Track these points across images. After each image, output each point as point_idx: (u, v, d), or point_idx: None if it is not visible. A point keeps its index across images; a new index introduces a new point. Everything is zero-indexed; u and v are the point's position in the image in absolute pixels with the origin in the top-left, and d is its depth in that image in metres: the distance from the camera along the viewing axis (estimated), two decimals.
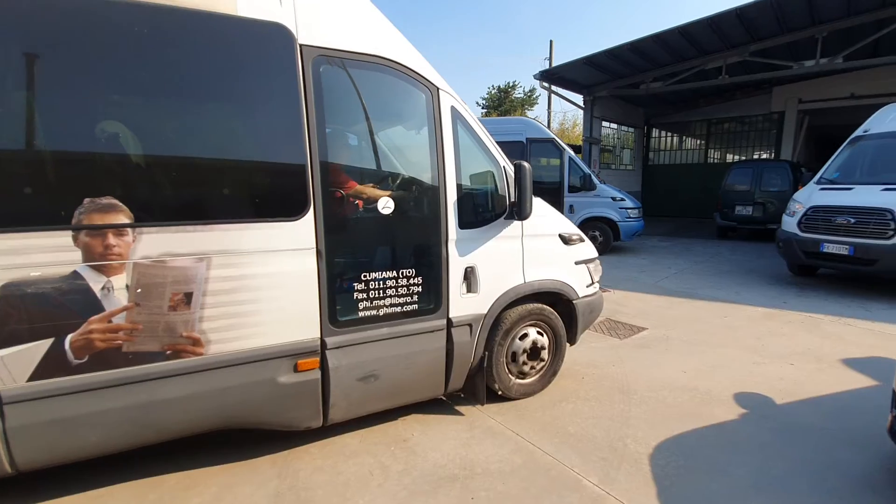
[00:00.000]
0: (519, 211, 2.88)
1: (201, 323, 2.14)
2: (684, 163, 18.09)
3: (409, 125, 2.92)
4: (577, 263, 3.43)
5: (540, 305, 3.25)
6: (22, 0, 1.78)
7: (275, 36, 2.23)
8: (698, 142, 18.09)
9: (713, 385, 3.52)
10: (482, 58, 62.50)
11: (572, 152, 9.59)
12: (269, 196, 2.32)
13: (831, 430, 2.89)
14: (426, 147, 2.69)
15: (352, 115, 2.57)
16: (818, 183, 6.84)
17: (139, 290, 2.02)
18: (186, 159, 2.18)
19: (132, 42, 1.97)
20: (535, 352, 3.27)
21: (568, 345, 3.50)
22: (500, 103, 32.60)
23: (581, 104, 14.70)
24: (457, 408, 3.19)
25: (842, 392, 3.42)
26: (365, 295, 2.54)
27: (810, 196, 6.60)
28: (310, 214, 2.32)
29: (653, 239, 11.62)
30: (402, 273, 2.63)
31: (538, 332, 3.29)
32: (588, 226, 9.22)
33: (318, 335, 2.43)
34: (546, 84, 13.98)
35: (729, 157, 17.46)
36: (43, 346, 1.89)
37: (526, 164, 2.83)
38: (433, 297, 2.75)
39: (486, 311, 2.96)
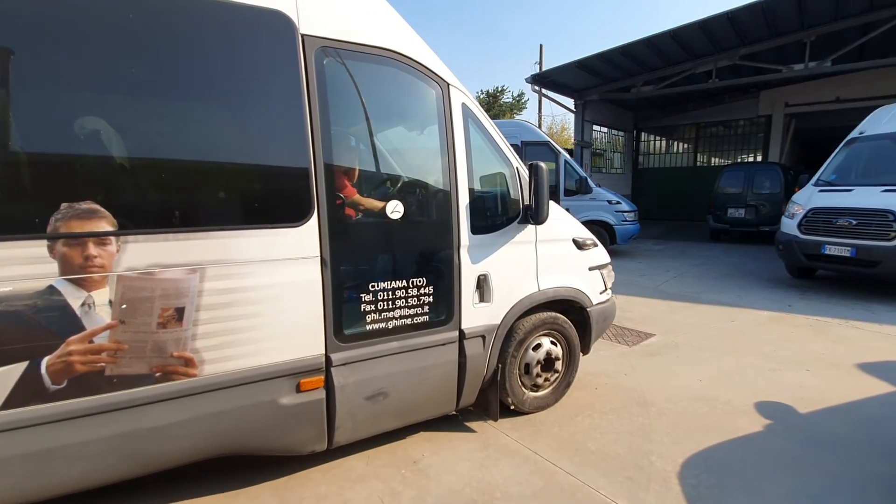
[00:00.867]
0: (535, 215, 2.72)
1: (194, 341, 1.92)
2: (673, 166, 18.22)
3: (418, 123, 2.74)
4: (590, 269, 3.28)
5: (554, 314, 3.09)
6: None
7: (274, 24, 2.04)
8: (687, 145, 18.25)
9: (732, 394, 3.38)
10: (469, 63, 62.73)
11: (568, 155, 9.50)
12: (269, 200, 2.11)
13: (862, 440, 2.77)
14: (436, 147, 2.51)
15: (357, 111, 2.39)
16: (816, 185, 6.83)
17: (124, 306, 1.80)
18: (177, 160, 1.96)
19: (115, 29, 1.76)
20: (548, 363, 3.10)
21: (581, 354, 3.34)
22: (489, 108, 32.66)
23: (572, 108, 14.71)
24: (468, 424, 3.00)
25: (864, 399, 3.31)
26: (373, 306, 2.34)
27: (810, 198, 6.58)
28: (313, 220, 2.12)
29: (647, 242, 11.59)
30: (413, 282, 2.44)
31: (552, 342, 3.13)
32: None
33: (323, 351, 2.22)
34: (537, 87, 13.96)
35: (717, 161, 17.62)
36: (15, 370, 1.65)
37: (542, 165, 2.67)
38: (445, 307, 2.57)
39: (499, 322, 2.78)
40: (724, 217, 11.51)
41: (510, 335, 2.88)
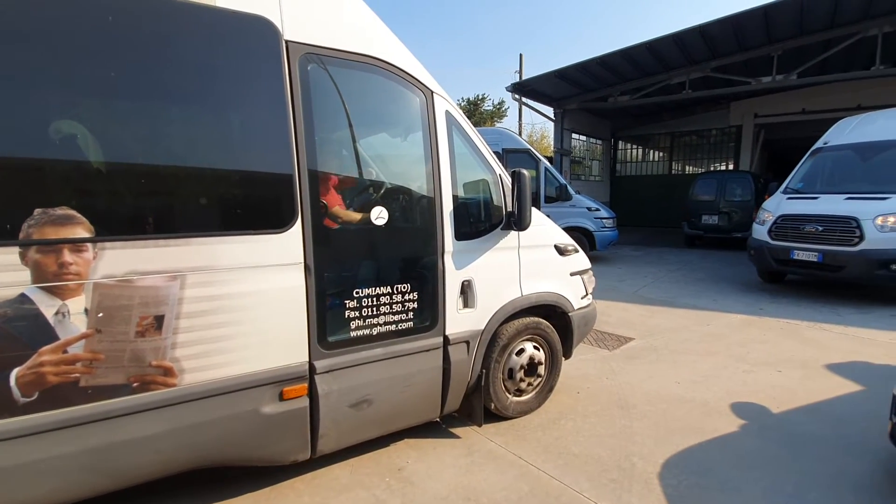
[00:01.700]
0: (518, 221, 2.75)
1: (174, 350, 1.88)
2: (650, 174, 18.68)
3: (402, 130, 2.76)
4: (572, 275, 3.33)
5: (536, 319, 3.12)
6: None
7: (258, 30, 2.03)
8: (662, 154, 18.74)
9: (709, 396, 3.47)
10: (450, 70, 63.27)
11: (548, 163, 9.65)
12: (253, 206, 2.09)
13: (832, 438, 2.87)
14: (420, 154, 2.53)
15: (341, 118, 2.39)
16: (785, 192, 7.10)
17: (101, 315, 1.75)
18: (158, 165, 1.93)
19: (95, 32, 1.73)
20: (532, 367, 3.12)
21: (563, 358, 3.38)
22: (471, 115, 32.94)
23: (552, 116, 14.96)
24: (452, 430, 3.00)
25: (833, 398, 3.43)
26: (357, 313, 2.33)
27: (779, 205, 6.83)
28: (297, 226, 2.11)
29: (625, 248, 11.82)
30: (397, 288, 2.44)
31: (535, 347, 3.16)
32: None
33: (307, 359, 2.20)
34: (517, 96, 14.17)
35: (691, 169, 18.14)
36: None
37: (525, 172, 2.71)
38: (429, 313, 2.57)
39: (483, 327, 2.80)
40: (698, 224, 11.84)
41: (494, 340, 2.90)
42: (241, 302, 2.01)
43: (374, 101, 2.56)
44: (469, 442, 2.87)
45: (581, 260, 3.46)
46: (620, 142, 19.00)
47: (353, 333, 2.33)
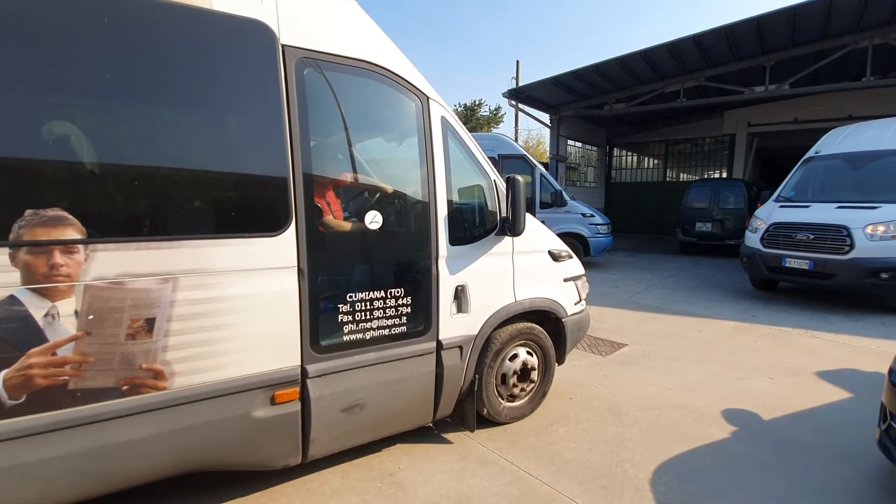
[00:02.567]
0: (512, 227, 2.76)
1: (165, 353, 1.87)
2: (644, 181, 18.81)
3: (398, 136, 2.77)
4: (565, 280, 3.34)
5: (530, 324, 3.13)
6: None
7: (255, 34, 2.03)
8: (657, 161, 18.88)
9: (701, 402, 3.49)
10: (446, 76, 63.52)
11: (543, 169, 9.69)
12: (247, 209, 2.09)
13: (822, 445, 2.89)
14: (416, 159, 2.54)
15: (337, 123, 2.39)
16: (777, 201, 7.17)
17: (91, 317, 1.73)
18: (152, 167, 1.92)
19: (91, 34, 1.73)
20: (524, 373, 3.13)
21: (556, 364, 3.39)
22: (467, 121, 33.06)
23: (548, 122, 15.04)
24: (444, 435, 2.99)
25: (823, 405, 3.46)
26: (350, 317, 2.33)
27: (771, 213, 6.89)
28: (291, 229, 2.11)
29: (619, 254, 11.87)
30: (391, 293, 2.44)
31: (528, 353, 3.16)
32: None
33: (299, 363, 2.19)
34: (514, 102, 14.25)
35: (685, 177, 18.29)
36: None
37: (520, 178, 2.73)
38: (422, 318, 2.57)
39: (476, 332, 2.80)
40: (691, 231, 11.92)
41: (487, 345, 2.91)
42: (234, 305, 2.01)
43: (370, 105, 2.57)
44: (461, 447, 2.86)
45: (575, 266, 3.47)
46: (615, 149, 19.13)
47: (346, 338, 2.32)
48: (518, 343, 3.11)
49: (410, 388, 2.57)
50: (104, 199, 1.83)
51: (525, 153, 9.65)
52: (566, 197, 9.52)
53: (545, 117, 15.01)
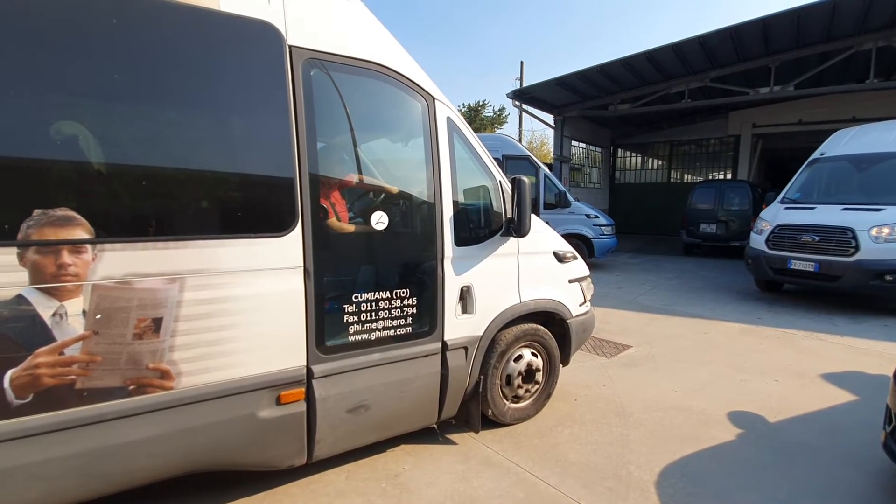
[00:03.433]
0: (518, 228, 2.76)
1: (171, 353, 1.88)
2: (648, 182, 18.76)
3: (404, 136, 2.77)
4: (570, 282, 3.34)
5: (535, 326, 3.13)
6: None
7: (262, 35, 2.04)
8: (661, 162, 18.84)
9: (706, 404, 3.47)
10: (452, 78, 63.56)
11: (547, 170, 9.69)
12: (253, 209, 2.09)
13: (826, 447, 2.88)
14: (421, 160, 2.54)
15: (343, 123, 2.40)
16: (782, 202, 7.14)
17: (98, 317, 1.74)
18: (160, 167, 1.93)
19: (99, 34, 1.74)
20: (529, 374, 3.12)
21: (561, 365, 3.38)
22: (471, 121, 33.05)
23: (552, 123, 15.02)
24: (449, 436, 2.99)
25: (828, 408, 3.44)
26: (356, 318, 2.33)
27: (776, 215, 6.86)
28: (297, 230, 2.11)
29: (624, 256, 11.85)
30: (396, 293, 2.44)
31: (532, 354, 3.16)
32: None
33: (305, 363, 2.19)
34: (518, 103, 14.24)
35: (689, 178, 18.24)
36: None
37: (525, 179, 2.72)
38: (428, 318, 2.57)
39: (481, 333, 2.80)
40: (696, 232, 11.87)
41: (492, 346, 2.90)
42: (241, 305, 2.01)
43: (376, 106, 2.58)
44: (466, 448, 2.86)
45: (580, 267, 3.47)
46: (620, 150, 19.09)
47: (351, 338, 2.32)
48: (523, 344, 3.10)
49: (415, 389, 2.57)
50: (112, 199, 1.84)
51: (529, 154, 9.64)
52: (570, 198, 9.51)
53: (549, 118, 14.99)
